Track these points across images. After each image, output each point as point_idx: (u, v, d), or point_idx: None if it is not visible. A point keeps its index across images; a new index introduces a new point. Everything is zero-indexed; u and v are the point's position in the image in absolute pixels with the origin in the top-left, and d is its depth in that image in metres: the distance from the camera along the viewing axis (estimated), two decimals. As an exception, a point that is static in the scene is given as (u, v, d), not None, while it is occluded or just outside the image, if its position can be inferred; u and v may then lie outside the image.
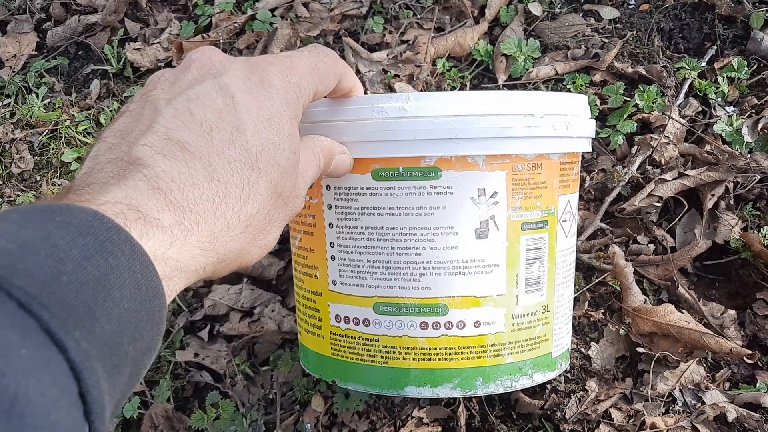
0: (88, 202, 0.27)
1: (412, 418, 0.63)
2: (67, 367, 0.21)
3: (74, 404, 0.21)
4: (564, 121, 0.45)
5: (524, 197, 0.44)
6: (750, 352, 0.59)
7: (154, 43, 0.86)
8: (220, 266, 0.32)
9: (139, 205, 0.28)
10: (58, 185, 0.80)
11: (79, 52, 0.92)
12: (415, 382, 0.45)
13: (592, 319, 0.65)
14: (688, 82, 0.73)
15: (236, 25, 0.85)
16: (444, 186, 0.42)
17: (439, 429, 0.62)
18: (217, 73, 0.33)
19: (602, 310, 0.65)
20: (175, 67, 0.36)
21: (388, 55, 0.78)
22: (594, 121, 0.50)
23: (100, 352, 0.23)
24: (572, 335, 0.61)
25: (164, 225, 0.28)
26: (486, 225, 0.43)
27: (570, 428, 0.60)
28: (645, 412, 0.59)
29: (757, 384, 0.59)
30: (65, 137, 0.83)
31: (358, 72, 0.77)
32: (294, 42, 0.81)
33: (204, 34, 0.85)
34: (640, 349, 0.61)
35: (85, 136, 0.83)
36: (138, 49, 0.86)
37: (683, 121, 0.70)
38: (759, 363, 0.60)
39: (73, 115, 0.84)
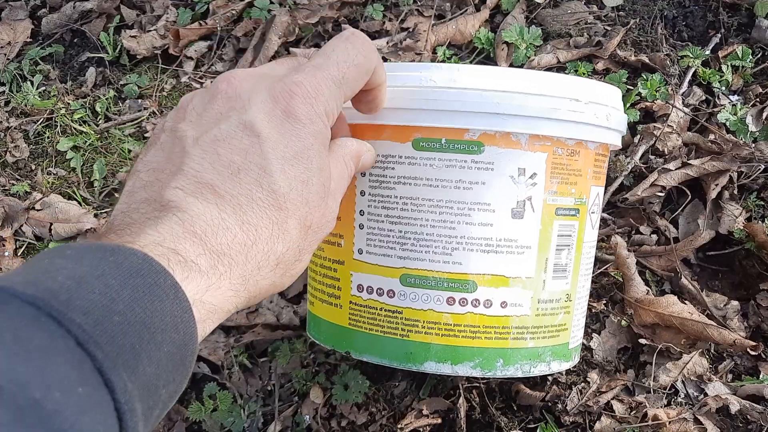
0: (130, 243, 0.27)
1: (412, 409, 0.63)
2: (113, 407, 0.22)
3: None
4: (605, 111, 0.45)
5: (561, 182, 0.44)
6: (753, 343, 0.58)
7: (150, 31, 0.85)
8: (250, 302, 0.32)
9: (178, 249, 0.28)
10: (54, 174, 0.79)
11: (75, 40, 0.90)
12: (435, 358, 0.44)
13: (594, 310, 0.64)
14: (692, 70, 0.72)
15: (234, 12, 0.84)
16: (485, 162, 0.42)
17: (439, 420, 0.62)
18: (242, 108, 0.32)
19: (604, 301, 0.64)
20: (198, 87, 0.36)
21: (388, 43, 0.77)
22: (626, 116, 0.50)
23: (141, 393, 0.24)
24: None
25: (202, 269, 0.29)
26: (522, 205, 0.43)
27: (571, 420, 0.59)
28: (647, 404, 0.59)
29: (761, 376, 0.59)
30: (60, 126, 0.82)
31: (357, 60, 0.76)
32: (292, 29, 0.80)
33: (201, 21, 0.84)
34: (643, 341, 0.61)
35: (80, 125, 0.82)
36: (134, 37, 0.84)
37: (687, 110, 0.70)
38: (762, 354, 0.60)
39: (68, 104, 0.83)
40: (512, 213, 0.43)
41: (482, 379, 0.62)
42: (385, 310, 0.44)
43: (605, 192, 0.67)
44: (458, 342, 0.43)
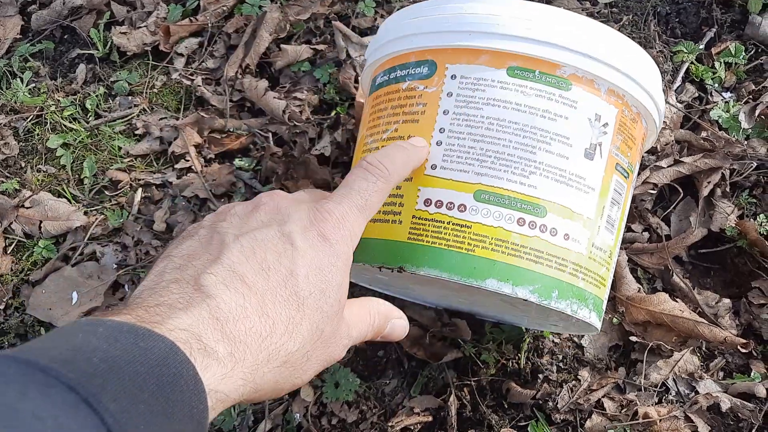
0: (159, 324, 0.30)
1: (403, 407, 0.62)
2: None
3: None
4: (659, 93, 0.50)
5: (623, 141, 0.48)
6: (744, 341, 0.58)
7: (140, 27, 0.84)
8: (254, 395, 0.34)
9: (201, 335, 0.30)
10: (43, 171, 0.79)
11: (65, 36, 0.90)
12: (498, 276, 0.44)
13: (585, 308, 0.64)
14: (685, 66, 0.71)
15: (225, 8, 0.83)
16: (571, 99, 0.45)
17: (430, 418, 0.61)
18: (282, 221, 0.37)
19: (595, 299, 0.64)
20: (238, 207, 0.40)
21: (379, 39, 0.76)
22: (664, 109, 0.53)
23: None
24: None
25: (219, 356, 0.31)
26: (594, 148, 0.46)
27: (562, 418, 0.59)
28: (638, 402, 0.58)
29: (752, 373, 0.59)
30: (50, 123, 0.81)
31: (348, 57, 0.76)
32: (283, 26, 0.80)
33: (192, 18, 0.83)
34: (634, 339, 0.61)
35: (70, 122, 0.81)
36: (124, 33, 0.84)
37: (680, 106, 0.69)
38: (753, 352, 0.59)
39: (58, 101, 0.82)
40: (585, 152, 0.46)
41: (473, 377, 0.62)
42: (453, 224, 0.45)
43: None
44: (522, 264, 0.44)
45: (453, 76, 0.46)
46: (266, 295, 0.33)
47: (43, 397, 0.23)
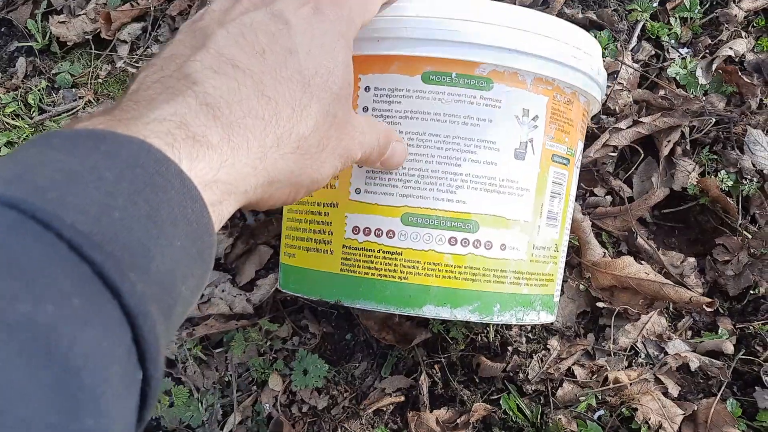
0: (135, 119, 0.25)
1: (374, 389, 0.62)
2: (120, 312, 0.20)
3: (128, 351, 0.20)
4: (597, 66, 0.46)
5: (557, 129, 0.45)
6: (709, 300, 0.57)
7: (80, 15, 0.80)
8: (270, 188, 0.30)
9: (188, 123, 0.26)
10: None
11: (2, 29, 0.86)
12: (435, 301, 0.42)
13: (551, 277, 0.63)
14: (641, 24, 0.70)
15: (167, -10, 0.80)
16: (494, 99, 0.42)
17: (402, 398, 0.61)
18: (271, 2, 0.33)
19: (561, 267, 0.63)
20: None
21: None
22: (606, 75, 0.50)
23: (156, 293, 0.22)
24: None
25: (213, 143, 0.27)
26: (524, 147, 0.43)
27: (533, 389, 0.58)
28: (608, 367, 0.58)
29: (719, 331, 0.58)
30: (-8, 121, 0.78)
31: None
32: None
33: (133, 2, 0.80)
34: (600, 304, 0.60)
35: (13, 119, 0.78)
36: (63, 22, 0.80)
37: (636, 65, 0.68)
38: (720, 309, 0.59)
39: (-1, 97, 0.79)
40: (515, 153, 0.43)
41: (443, 354, 0.61)
42: (383, 252, 0.43)
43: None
44: (458, 284, 0.42)
45: (367, 88, 0.43)
46: (264, 77, 0.29)
47: None
